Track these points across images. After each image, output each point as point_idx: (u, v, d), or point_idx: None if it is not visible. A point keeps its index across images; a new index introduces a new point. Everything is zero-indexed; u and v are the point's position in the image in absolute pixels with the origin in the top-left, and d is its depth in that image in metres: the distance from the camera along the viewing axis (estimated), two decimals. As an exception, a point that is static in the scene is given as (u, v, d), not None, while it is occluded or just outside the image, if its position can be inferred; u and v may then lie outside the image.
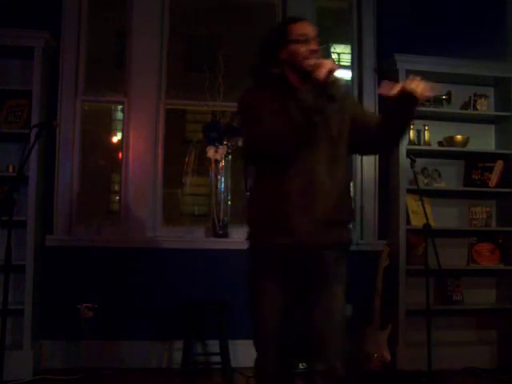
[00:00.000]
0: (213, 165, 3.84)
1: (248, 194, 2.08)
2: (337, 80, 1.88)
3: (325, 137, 1.93)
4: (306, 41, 1.96)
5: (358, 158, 4.06)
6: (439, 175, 3.99)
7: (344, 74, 4.43)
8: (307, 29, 1.99)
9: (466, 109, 4.04)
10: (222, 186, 3.84)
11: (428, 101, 3.96)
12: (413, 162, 3.25)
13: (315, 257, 1.91)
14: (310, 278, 1.93)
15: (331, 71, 1.83)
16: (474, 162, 4.02)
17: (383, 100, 2.06)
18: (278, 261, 1.91)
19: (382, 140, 2.04)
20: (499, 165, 3.98)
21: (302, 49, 1.94)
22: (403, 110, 1.95)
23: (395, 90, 1.92)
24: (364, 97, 4.07)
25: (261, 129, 1.84)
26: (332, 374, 1.90)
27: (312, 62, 1.89)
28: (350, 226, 2.04)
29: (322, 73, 1.81)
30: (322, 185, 1.88)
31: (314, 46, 1.95)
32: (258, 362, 1.98)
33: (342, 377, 1.91)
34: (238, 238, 3.76)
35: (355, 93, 4.15)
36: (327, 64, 1.84)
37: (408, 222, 3.80)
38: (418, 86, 1.88)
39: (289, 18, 2.11)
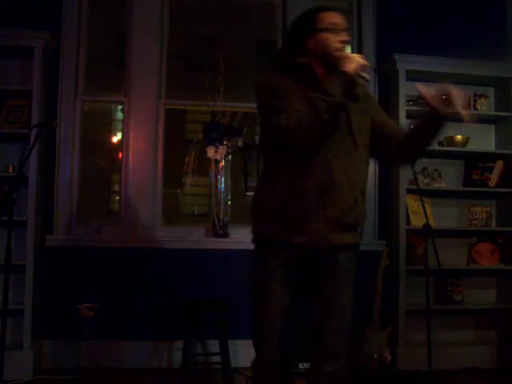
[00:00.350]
0: (213, 165, 3.84)
1: (256, 184, 1.97)
2: (364, 78, 1.81)
3: (345, 136, 1.85)
4: (337, 31, 1.85)
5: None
6: (439, 175, 3.99)
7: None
8: (338, 18, 1.89)
9: (466, 109, 4.02)
10: (222, 186, 3.84)
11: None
12: (413, 162, 3.24)
13: (327, 258, 1.86)
14: (319, 279, 1.88)
15: (362, 67, 1.76)
16: (474, 162, 4.02)
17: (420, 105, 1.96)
18: (289, 259, 1.83)
19: (402, 153, 1.98)
20: (499, 165, 3.98)
21: (332, 39, 1.84)
22: (435, 128, 1.90)
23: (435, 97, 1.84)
24: (364, 97, 4.06)
25: (289, 118, 1.73)
26: (339, 375, 1.88)
27: (342, 53, 1.81)
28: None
29: (351, 67, 1.74)
30: (338, 185, 1.80)
31: (344, 37, 1.86)
32: (258, 363, 1.91)
33: (347, 377, 1.89)
34: (238, 238, 3.77)
35: (355, 93, 4.16)
36: (358, 59, 1.77)
37: (408, 221, 3.80)
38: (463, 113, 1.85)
39: (319, 6, 1.98)
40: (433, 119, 1.86)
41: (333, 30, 1.85)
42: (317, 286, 1.89)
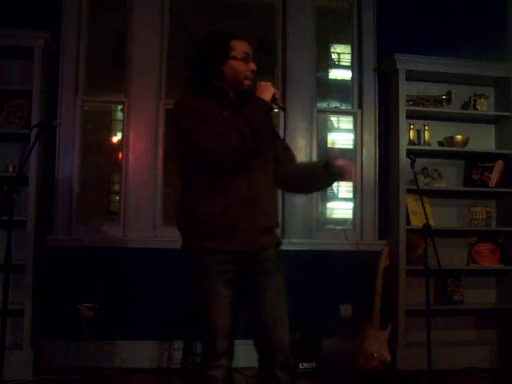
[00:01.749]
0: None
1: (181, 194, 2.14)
2: (281, 106, 2.06)
3: (263, 155, 2.05)
4: (247, 60, 2.03)
5: (358, 157, 4.07)
6: (439, 175, 3.99)
7: (345, 74, 4.44)
8: (249, 48, 2.05)
9: (466, 109, 4.04)
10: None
11: (428, 100, 3.98)
12: (413, 162, 3.25)
13: (257, 258, 2.03)
14: (254, 277, 2.04)
15: (275, 95, 1.97)
16: (474, 162, 4.02)
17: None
18: (226, 263, 1.98)
19: (293, 182, 2.25)
20: (499, 165, 3.98)
21: (243, 67, 2.01)
22: (329, 180, 2.20)
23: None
24: (364, 97, 4.07)
25: (211, 140, 1.89)
26: (289, 364, 2.04)
27: (258, 83, 2.00)
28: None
29: (268, 96, 1.95)
30: (260, 197, 2.02)
31: (253, 66, 2.04)
32: (216, 361, 1.98)
33: (294, 366, 2.14)
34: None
35: (355, 93, 4.16)
36: (271, 87, 1.97)
37: (408, 221, 3.80)
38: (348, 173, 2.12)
39: (229, 31, 2.09)
40: (328, 175, 2.15)
41: (244, 58, 2.02)
42: (253, 284, 2.05)
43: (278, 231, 3.80)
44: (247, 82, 2.02)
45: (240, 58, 2.01)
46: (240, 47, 2.02)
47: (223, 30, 2.09)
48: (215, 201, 1.95)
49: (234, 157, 1.91)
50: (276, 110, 2.09)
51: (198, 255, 2.00)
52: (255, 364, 2.11)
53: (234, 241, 1.96)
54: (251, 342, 2.07)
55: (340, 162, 2.10)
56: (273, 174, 2.12)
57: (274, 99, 1.98)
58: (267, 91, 1.96)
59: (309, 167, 2.40)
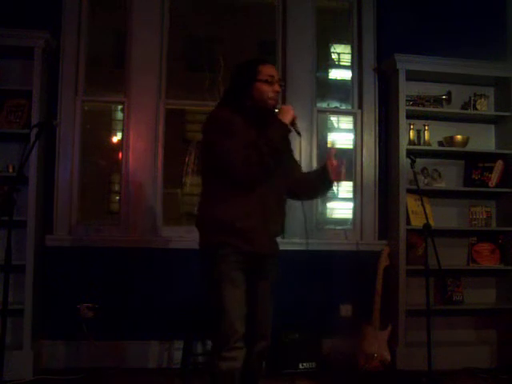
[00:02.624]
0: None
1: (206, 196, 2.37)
2: (298, 132, 2.26)
3: (278, 172, 2.25)
4: (272, 82, 2.27)
5: (358, 157, 4.07)
6: (439, 175, 3.99)
7: (345, 74, 4.44)
8: (274, 71, 2.31)
9: (466, 109, 4.04)
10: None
11: (428, 100, 3.98)
12: (413, 162, 3.25)
13: (264, 261, 2.29)
14: (257, 277, 2.27)
15: (294, 118, 2.22)
16: (474, 162, 4.02)
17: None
18: (239, 262, 2.19)
19: (300, 192, 2.46)
20: (499, 165, 3.98)
21: (268, 89, 2.26)
22: (327, 183, 2.37)
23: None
24: (364, 97, 4.07)
25: (237, 155, 2.11)
26: (267, 349, 2.36)
27: (282, 106, 2.28)
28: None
29: (288, 118, 2.20)
30: (274, 207, 2.28)
31: (278, 88, 2.28)
32: (236, 343, 2.15)
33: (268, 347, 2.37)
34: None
35: (355, 93, 4.16)
36: (292, 111, 2.22)
37: (408, 221, 3.80)
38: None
39: (259, 59, 2.37)
40: (326, 178, 2.35)
41: (268, 81, 2.26)
42: (254, 282, 2.27)
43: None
44: (271, 102, 2.27)
45: (265, 81, 2.24)
46: (266, 71, 2.26)
47: (254, 57, 2.41)
48: (238, 206, 2.18)
49: (251, 171, 2.12)
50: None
51: (219, 247, 2.19)
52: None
53: (250, 243, 2.18)
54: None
55: (332, 162, 2.30)
56: (284, 186, 2.34)
57: (293, 123, 2.21)
58: (287, 114, 2.20)
59: (311, 174, 2.61)
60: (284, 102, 3.93)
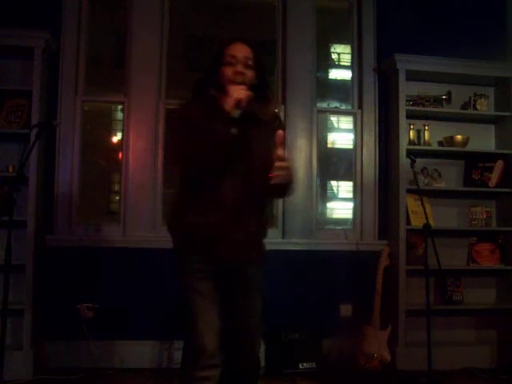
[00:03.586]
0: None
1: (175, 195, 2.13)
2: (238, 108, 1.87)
3: (244, 166, 1.94)
4: (234, 63, 1.96)
5: (358, 157, 4.07)
6: (439, 175, 3.99)
7: (345, 74, 4.44)
8: (237, 50, 1.98)
9: (466, 109, 4.04)
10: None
11: (428, 100, 3.98)
12: (413, 162, 3.25)
13: (237, 272, 2.01)
14: (234, 288, 2.03)
15: (238, 100, 1.84)
16: (474, 162, 4.02)
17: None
18: (208, 270, 1.96)
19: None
20: (499, 165, 3.98)
21: (229, 71, 1.96)
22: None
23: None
24: (364, 97, 4.07)
25: (181, 146, 1.90)
26: (257, 359, 2.12)
27: (229, 86, 1.90)
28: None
29: (228, 103, 1.84)
30: (248, 209, 1.96)
31: (239, 68, 1.96)
32: (208, 360, 1.91)
33: (259, 363, 2.14)
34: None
35: (355, 93, 4.16)
36: (234, 92, 1.85)
37: (408, 221, 3.80)
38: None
39: (228, 39, 2.06)
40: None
41: (230, 62, 1.96)
42: (232, 295, 2.03)
43: (279, 232, 3.81)
44: (229, 86, 1.92)
45: (227, 63, 1.97)
46: (228, 51, 1.98)
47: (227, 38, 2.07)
48: (197, 211, 1.94)
49: (207, 160, 1.87)
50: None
51: (181, 255, 2.01)
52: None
53: (214, 252, 1.93)
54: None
55: (277, 152, 1.87)
56: (258, 184, 1.96)
57: (238, 105, 1.86)
58: (230, 98, 1.86)
59: None
60: (284, 101, 3.93)
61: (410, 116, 3.89)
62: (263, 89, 2.04)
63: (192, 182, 1.98)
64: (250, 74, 1.98)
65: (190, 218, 1.96)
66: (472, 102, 4.01)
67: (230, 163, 1.92)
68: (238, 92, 1.86)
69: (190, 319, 1.95)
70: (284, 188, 1.99)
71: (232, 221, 1.93)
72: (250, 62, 1.99)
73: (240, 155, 1.93)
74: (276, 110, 2.10)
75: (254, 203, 2.00)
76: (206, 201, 1.94)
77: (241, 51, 1.98)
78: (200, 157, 1.86)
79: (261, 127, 1.96)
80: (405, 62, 3.82)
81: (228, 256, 1.95)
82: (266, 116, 2.00)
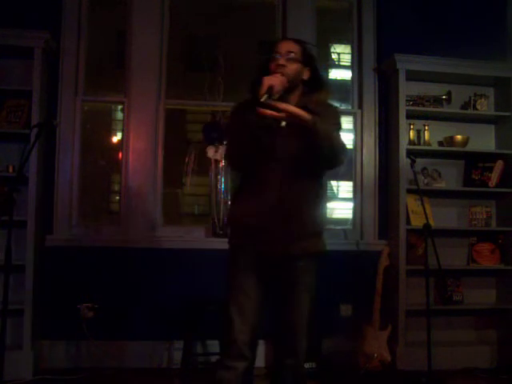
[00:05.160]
0: (213, 165, 3.85)
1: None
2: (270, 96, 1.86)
3: (281, 154, 1.98)
4: (275, 58, 2.03)
5: (358, 157, 4.07)
6: (439, 175, 3.99)
7: (345, 74, 4.43)
8: (281, 46, 2.05)
9: (466, 109, 4.04)
10: (222, 186, 3.84)
11: (428, 100, 3.98)
12: (413, 162, 3.25)
13: (285, 265, 2.05)
14: (281, 284, 2.08)
15: (270, 87, 1.86)
16: (474, 162, 4.02)
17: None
18: (255, 262, 2.03)
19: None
20: (499, 165, 3.98)
21: (272, 65, 2.02)
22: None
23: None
24: (364, 97, 4.07)
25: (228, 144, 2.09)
26: (297, 367, 2.09)
27: (264, 78, 1.91)
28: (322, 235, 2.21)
29: (261, 91, 1.85)
30: (294, 201, 2.00)
31: (280, 61, 2.00)
32: (232, 361, 2.00)
33: (304, 373, 2.16)
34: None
35: (355, 93, 4.16)
36: (266, 79, 1.88)
37: (408, 221, 3.80)
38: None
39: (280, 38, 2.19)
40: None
41: (274, 58, 2.03)
42: (278, 290, 2.09)
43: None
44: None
45: (271, 59, 2.04)
46: (275, 49, 2.06)
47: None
48: (246, 203, 2.04)
49: (237, 155, 2.01)
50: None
51: (231, 249, 2.12)
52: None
53: (260, 243, 1.99)
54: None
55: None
56: (313, 177, 2.06)
57: (269, 92, 1.86)
58: (262, 86, 1.86)
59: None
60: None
61: (410, 116, 3.89)
62: (316, 81, 2.11)
63: (241, 178, 2.10)
64: (292, 66, 2.02)
65: (235, 211, 2.12)
66: (472, 102, 4.01)
67: (270, 153, 1.97)
68: (270, 79, 1.89)
69: (227, 310, 2.02)
70: (322, 148, 1.90)
71: (272, 212, 1.97)
72: (293, 55, 2.04)
73: (278, 147, 1.98)
74: (325, 100, 2.13)
75: (302, 195, 2.03)
76: (249, 193, 2.05)
77: (284, 46, 2.06)
78: (233, 145, 2.02)
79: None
80: (405, 62, 3.82)
81: (267, 248, 2.00)
82: (313, 104, 1.99)
